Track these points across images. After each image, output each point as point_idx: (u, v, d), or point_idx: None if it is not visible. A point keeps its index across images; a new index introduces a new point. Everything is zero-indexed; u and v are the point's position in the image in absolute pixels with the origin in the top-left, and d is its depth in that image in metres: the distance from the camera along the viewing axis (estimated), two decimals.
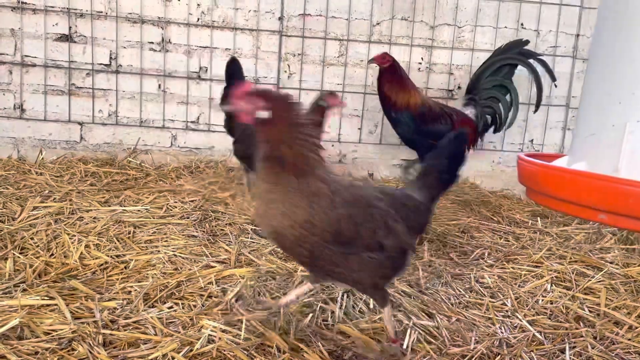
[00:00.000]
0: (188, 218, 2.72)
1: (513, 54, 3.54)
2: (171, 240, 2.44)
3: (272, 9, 3.85)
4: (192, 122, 3.92)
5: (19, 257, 2.15)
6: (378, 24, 3.93)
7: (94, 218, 2.59)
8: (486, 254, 2.66)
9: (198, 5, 3.79)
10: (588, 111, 1.27)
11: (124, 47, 3.76)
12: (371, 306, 1.96)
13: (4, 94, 3.71)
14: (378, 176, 4.11)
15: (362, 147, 4.09)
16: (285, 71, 3.94)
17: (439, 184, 1.85)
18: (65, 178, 3.24)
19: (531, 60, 3.49)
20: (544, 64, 3.50)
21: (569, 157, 1.41)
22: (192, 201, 2.98)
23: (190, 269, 2.11)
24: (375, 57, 3.41)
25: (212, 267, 2.17)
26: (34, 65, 3.71)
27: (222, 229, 2.65)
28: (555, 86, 3.80)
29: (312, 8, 3.87)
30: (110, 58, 3.75)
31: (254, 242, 2.56)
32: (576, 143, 1.39)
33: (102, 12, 3.71)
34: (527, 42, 3.56)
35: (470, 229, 3.04)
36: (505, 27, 4.02)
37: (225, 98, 2.97)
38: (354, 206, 1.53)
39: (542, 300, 2.18)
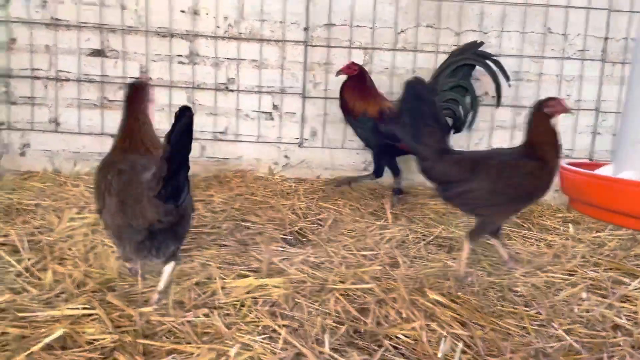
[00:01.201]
0: (219, 227, 2.76)
1: (469, 55, 3.59)
2: (204, 249, 2.48)
3: (297, 20, 3.90)
4: (220, 132, 3.98)
5: (58, 268, 2.21)
6: (403, 31, 3.95)
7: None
8: (519, 262, 2.64)
9: (225, 18, 3.86)
10: (634, 118, 1.25)
11: (154, 61, 3.85)
12: (404, 315, 1.96)
13: (39, 109, 3.83)
14: (404, 182, 4.09)
15: None
16: (311, 81, 3.98)
17: None
18: None
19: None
20: (498, 64, 3.56)
21: (614, 165, 1.39)
22: (222, 211, 3.02)
23: (223, 278, 2.14)
24: (342, 69, 3.50)
25: (245, 275, 2.20)
26: (68, 80, 3.82)
27: (252, 238, 2.69)
28: (509, 86, 3.81)
29: (336, 18, 3.91)
30: (141, 71, 3.84)
31: (284, 251, 2.59)
32: (621, 151, 1.35)
33: (132, 27, 3.80)
34: (481, 43, 3.63)
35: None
36: (532, 31, 3.98)
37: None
38: None
39: (578, 308, 2.15)
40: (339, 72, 3.52)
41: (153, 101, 2.19)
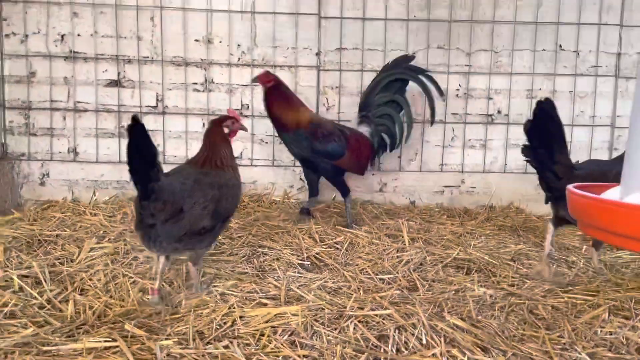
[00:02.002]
0: (237, 254, 2.78)
1: (401, 70, 3.57)
2: (223, 278, 2.49)
3: (310, 45, 3.95)
4: (235, 157, 4.01)
5: (79, 299, 2.24)
6: (414, 53, 3.97)
7: (149, 258, 2.68)
8: (538, 283, 2.61)
9: (238, 45, 3.93)
10: None
11: (170, 89, 3.92)
12: (424, 342, 1.95)
13: (58, 139, 3.92)
14: (420, 204, 4.09)
15: (402, 176, 4.10)
16: (324, 104, 4.02)
17: None
18: (118, 218, 3.37)
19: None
20: (430, 79, 3.57)
21: (622, 187, 1.36)
22: (239, 237, 3.04)
23: (241, 307, 2.15)
24: (259, 76, 3.37)
25: (264, 304, 2.21)
26: (86, 111, 3.90)
27: (270, 265, 2.70)
28: (444, 101, 3.82)
29: (348, 42, 3.96)
30: (157, 100, 3.92)
31: (301, 277, 2.59)
32: (629, 171, 1.33)
33: (148, 57, 3.89)
34: (412, 57, 3.64)
35: (520, 257, 2.99)
36: (544, 49, 3.99)
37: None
38: None
39: (601, 331, 2.12)
40: (254, 80, 3.37)
41: (235, 130, 2.51)
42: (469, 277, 2.70)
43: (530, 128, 2.71)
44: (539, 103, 2.67)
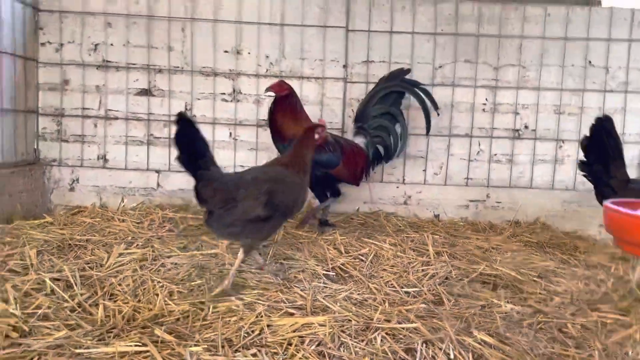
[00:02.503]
0: (264, 264, 2.79)
1: (397, 82, 3.58)
2: (250, 287, 2.51)
3: (337, 57, 3.99)
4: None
5: (108, 303, 2.27)
6: (440, 67, 3.99)
7: (175, 264, 2.71)
8: (567, 301, 2.57)
9: (267, 57, 3.98)
10: None
11: (198, 99, 3.99)
12: (452, 356, 1.93)
13: (89, 146, 4.00)
14: (444, 217, 4.07)
15: (426, 189, 4.08)
16: (350, 116, 4.04)
17: None
18: (145, 224, 3.42)
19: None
20: (426, 93, 3.58)
21: None
22: (264, 247, 3.06)
23: (269, 316, 2.16)
24: (272, 86, 3.38)
25: (290, 313, 2.22)
26: (117, 119, 3.99)
27: (295, 276, 2.71)
28: (438, 114, 3.78)
29: (375, 55, 3.98)
30: (186, 109, 3.98)
31: (326, 287, 2.60)
32: None
33: (178, 67, 3.96)
34: (408, 70, 3.63)
35: (547, 274, 2.95)
36: (572, 65, 3.97)
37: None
38: None
39: (632, 351, 2.08)
40: (267, 89, 3.38)
41: (323, 137, 2.76)
42: (496, 293, 2.67)
43: (588, 144, 2.78)
44: (599, 120, 2.80)
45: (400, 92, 3.63)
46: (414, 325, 2.12)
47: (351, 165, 3.51)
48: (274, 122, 3.42)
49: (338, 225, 3.64)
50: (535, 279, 2.88)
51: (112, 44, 3.94)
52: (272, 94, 3.42)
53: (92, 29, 3.93)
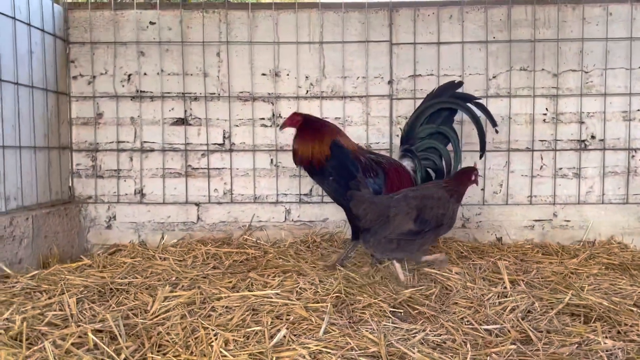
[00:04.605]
0: (323, 302, 2.51)
1: (446, 98, 3.18)
2: (311, 331, 2.22)
3: (381, 73, 3.74)
4: (305, 194, 3.81)
5: (158, 357, 2.02)
6: (494, 77, 3.70)
7: (227, 307, 2.45)
8: None
9: (306, 77, 3.76)
10: None
11: (237, 126, 3.78)
12: None
13: (125, 181, 3.81)
14: (507, 240, 3.73)
15: (486, 209, 3.76)
16: (397, 135, 3.77)
17: None
18: (189, 262, 3.19)
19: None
20: (482, 107, 3.18)
21: None
22: (321, 281, 2.78)
23: None
24: (284, 122, 3.17)
25: None
26: (152, 150, 3.80)
27: (360, 316, 2.41)
28: (497, 132, 3.39)
29: (422, 69, 3.73)
30: (224, 137, 3.78)
31: (397, 328, 2.29)
32: None
33: (214, 93, 3.77)
34: (459, 84, 3.22)
35: None
36: None
37: None
38: None
39: None
40: (282, 126, 3.21)
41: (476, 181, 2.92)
42: (589, 326, 2.33)
43: None
44: None
45: (452, 108, 3.28)
46: None
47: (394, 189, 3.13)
48: (298, 156, 3.15)
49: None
50: (631, 307, 2.53)
51: (145, 73, 3.78)
52: (289, 128, 3.22)
53: (125, 59, 3.77)
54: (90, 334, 2.11)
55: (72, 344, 2.05)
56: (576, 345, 2.14)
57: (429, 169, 3.32)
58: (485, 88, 3.70)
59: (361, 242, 2.80)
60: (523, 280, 2.87)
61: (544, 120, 3.70)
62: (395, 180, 3.16)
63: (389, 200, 2.74)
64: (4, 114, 3.07)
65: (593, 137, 3.68)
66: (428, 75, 3.73)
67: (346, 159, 3.06)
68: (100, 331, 2.21)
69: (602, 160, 3.68)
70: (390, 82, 3.74)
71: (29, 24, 3.31)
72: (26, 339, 2.05)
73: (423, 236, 2.73)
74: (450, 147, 3.27)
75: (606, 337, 2.20)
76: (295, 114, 3.21)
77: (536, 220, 3.71)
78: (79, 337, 2.14)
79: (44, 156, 3.49)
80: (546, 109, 3.69)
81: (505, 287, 2.75)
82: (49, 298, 2.52)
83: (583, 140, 3.70)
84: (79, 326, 2.22)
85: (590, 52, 3.65)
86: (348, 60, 3.74)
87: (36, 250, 3.21)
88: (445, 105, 3.24)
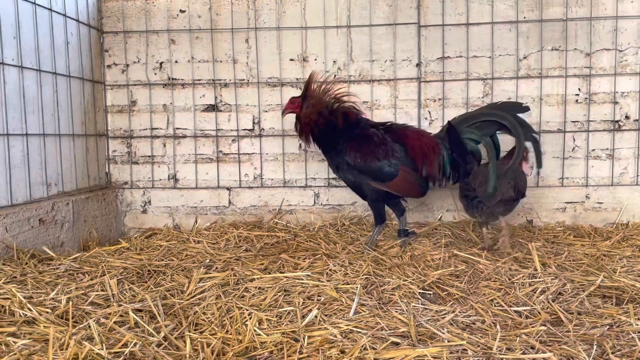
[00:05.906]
0: (353, 284, 2.56)
1: (503, 114, 2.98)
2: (341, 311, 2.28)
3: (409, 56, 3.73)
4: (333, 178, 3.85)
5: (195, 335, 2.10)
6: (525, 57, 3.64)
7: (259, 288, 2.52)
8: None
9: (334, 62, 3.78)
10: None
11: (266, 111, 3.83)
12: None
13: (159, 166, 3.92)
14: (538, 223, 3.71)
15: None
16: (426, 118, 3.77)
17: None
18: (222, 245, 3.27)
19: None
20: (536, 144, 3.00)
21: None
22: (351, 264, 2.83)
23: (374, 348, 1.92)
24: (285, 107, 3.19)
25: (395, 343, 1.97)
26: (185, 137, 3.89)
27: (389, 297, 2.45)
28: (534, 174, 3.50)
29: (450, 50, 3.69)
30: (254, 123, 3.83)
31: (426, 309, 2.33)
32: None
33: (244, 79, 3.82)
34: (527, 108, 3.04)
35: None
36: None
37: None
38: None
39: None
40: (284, 112, 3.23)
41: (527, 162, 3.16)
42: (621, 308, 2.32)
43: None
44: None
45: (505, 126, 3.02)
46: (545, 355, 1.82)
47: (423, 162, 3.11)
48: (305, 134, 3.20)
49: (420, 237, 3.36)
50: None
51: (176, 61, 3.85)
52: (290, 113, 3.24)
53: (156, 48, 3.85)
54: (131, 313, 2.21)
55: (115, 322, 2.16)
56: (607, 326, 2.14)
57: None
58: (516, 69, 3.65)
59: (468, 211, 3.17)
60: (554, 263, 2.86)
61: (577, 100, 3.64)
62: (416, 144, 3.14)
63: (500, 174, 3.05)
64: (43, 102, 3.19)
65: (627, 117, 3.60)
66: (457, 57, 3.69)
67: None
68: (140, 310, 2.31)
69: (636, 141, 3.60)
70: (418, 65, 3.73)
71: (64, 15, 3.41)
72: (72, 317, 2.16)
73: (516, 201, 3.14)
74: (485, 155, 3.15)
75: (638, 319, 2.19)
76: (294, 98, 3.22)
77: (568, 203, 3.67)
78: (121, 316, 2.24)
79: (82, 143, 3.62)
80: (579, 89, 3.63)
81: (535, 270, 2.75)
82: (91, 279, 2.64)
83: (617, 121, 3.62)
84: (120, 306, 2.32)
85: (625, 30, 3.55)
86: (375, 43, 3.74)
87: (77, 233, 3.35)
88: (498, 119, 3.02)
